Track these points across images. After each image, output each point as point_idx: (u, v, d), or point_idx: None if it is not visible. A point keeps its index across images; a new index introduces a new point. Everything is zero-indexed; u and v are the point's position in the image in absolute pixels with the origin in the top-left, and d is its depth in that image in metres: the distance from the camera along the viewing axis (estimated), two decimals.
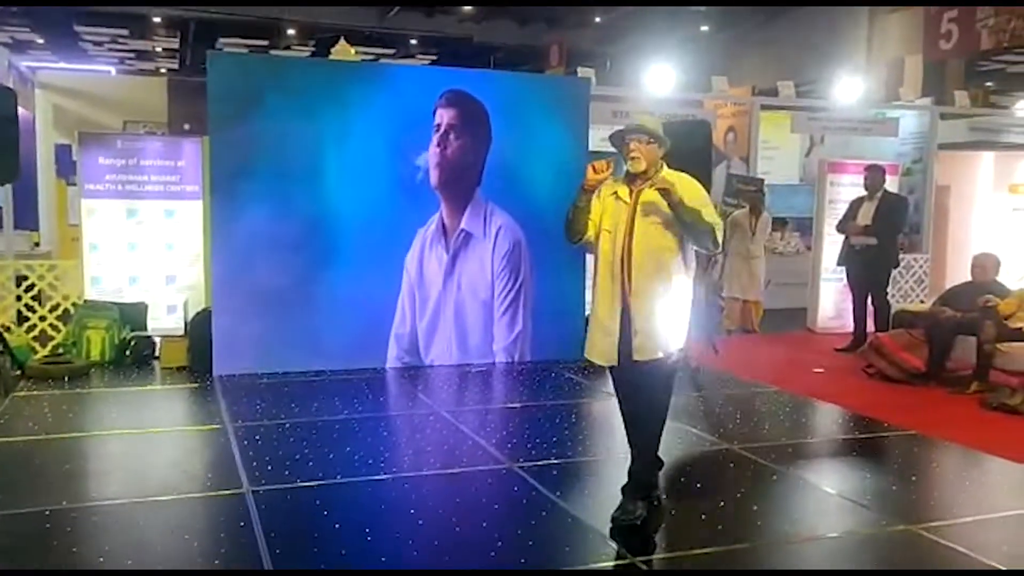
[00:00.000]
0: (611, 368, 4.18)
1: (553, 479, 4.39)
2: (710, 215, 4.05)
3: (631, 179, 4.09)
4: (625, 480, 4.23)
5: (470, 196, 7.64)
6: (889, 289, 8.84)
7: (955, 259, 10.50)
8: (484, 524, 4.13)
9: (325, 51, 10.18)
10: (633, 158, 4.04)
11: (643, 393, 4.14)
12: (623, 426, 4.33)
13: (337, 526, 4.00)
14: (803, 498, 4.57)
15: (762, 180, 10.99)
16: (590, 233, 4.14)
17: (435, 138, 7.48)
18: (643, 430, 4.22)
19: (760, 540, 4.02)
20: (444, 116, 7.51)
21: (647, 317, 4.03)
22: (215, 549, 3.78)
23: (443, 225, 7.62)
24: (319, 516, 4.11)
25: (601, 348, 4.14)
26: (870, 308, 8.60)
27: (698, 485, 4.76)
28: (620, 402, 4.30)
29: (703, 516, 4.23)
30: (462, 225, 7.65)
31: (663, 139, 4.09)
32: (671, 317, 4.06)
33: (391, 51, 23.70)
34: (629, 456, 4.25)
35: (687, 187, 4.06)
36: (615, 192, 4.09)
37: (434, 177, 7.49)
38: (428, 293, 7.55)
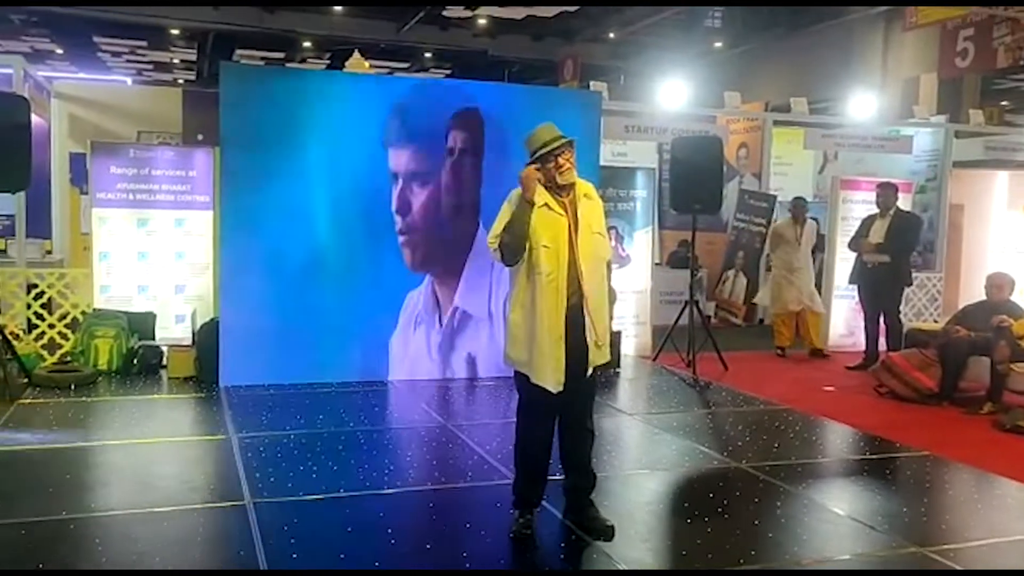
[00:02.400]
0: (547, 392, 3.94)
1: (557, 494, 4.33)
2: None
3: (554, 190, 3.98)
4: (574, 495, 4.22)
5: (466, 250, 7.38)
6: (902, 308, 8.76)
7: (969, 278, 10.41)
8: (488, 540, 4.08)
9: (340, 64, 10.20)
10: (566, 170, 3.96)
11: (587, 405, 4.14)
12: (523, 450, 4.13)
13: (338, 539, 3.96)
14: (812, 519, 4.49)
15: (774, 196, 10.95)
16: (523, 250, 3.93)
17: (448, 163, 7.32)
18: (585, 441, 4.17)
19: (767, 561, 3.95)
20: (458, 139, 7.36)
21: (602, 327, 4.02)
22: (214, 562, 3.74)
23: (435, 296, 7.39)
24: (320, 529, 4.06)
25: (553, 371, 3.89)
26: (882, 327, 8.52)
27: (705, 504, 4.68)
28: (544, 420, 4.05)
29: (709, 534, 4.17)
30: (456, 301, 7.42)
31: (572, 137, 4.04)
32: (609, 326, 4.10)
33: (406, 64, 23.81)
34: (569, 475, 4.21)
35: (595, 194, 4.13)
36: (544, 204, 3.94)
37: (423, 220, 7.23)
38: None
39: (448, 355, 7.47)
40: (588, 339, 3.96)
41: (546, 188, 3.97)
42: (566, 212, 3.96)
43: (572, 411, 4.09)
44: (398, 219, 7.25)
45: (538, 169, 3.97)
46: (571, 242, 3.94)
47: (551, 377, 3.91)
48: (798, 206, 9.36)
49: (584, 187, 4.09)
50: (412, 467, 5.18)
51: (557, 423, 4.12)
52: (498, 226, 3.95)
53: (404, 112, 7.23)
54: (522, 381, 4.03)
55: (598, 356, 4.04)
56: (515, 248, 3.89)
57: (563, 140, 3.97)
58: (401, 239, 7.28)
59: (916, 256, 10.36)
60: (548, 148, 3.95)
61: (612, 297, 4.28)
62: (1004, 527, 4.51)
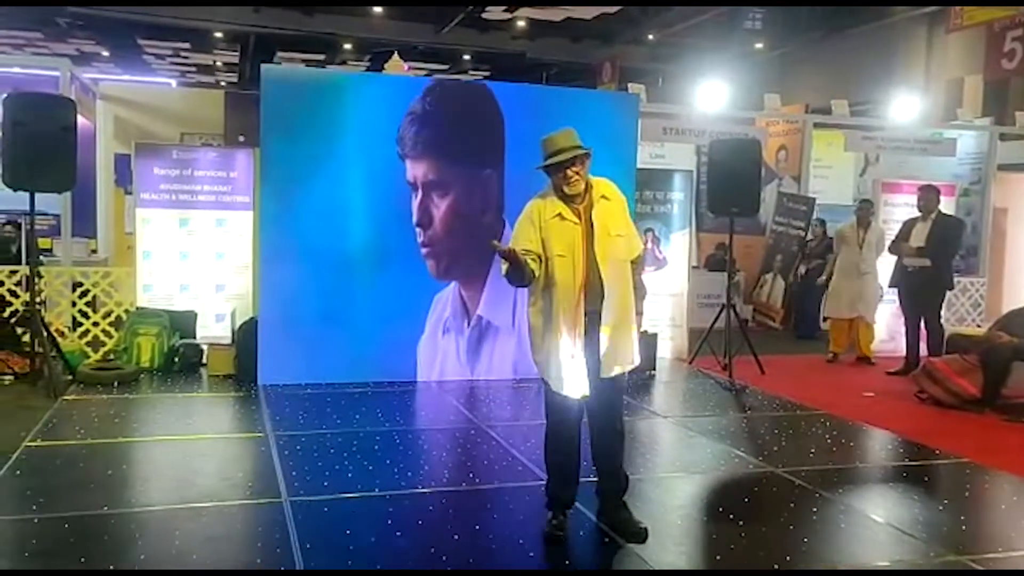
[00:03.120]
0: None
1: (589, 496, 4.33)
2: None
3: (567, 199, 3.96)
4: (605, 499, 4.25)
5: (491, 257, 7.17)
6: (943, 312, 8.62)
7: (1012, 283, 10.23)
8: (520, 541, 4.08)
9: (380, 66, 10.27)
10: (574, 182, 3.93)
11: (614, 407, 4.13)
12: (566, 453, 4.15)
13: (373, 539, 3.99)
14: (848, 525, 4.44)
15: (813, 199, 10.84)
16: (538, 267, 3.91)
17: (467, 170, 7.24)
18: (614, 444, 4.16)
19: (802, 566, 3.91)
20: (475, 144, 7.30)
21: (624, 331, 4.01)
22: (250, 558, 3.78)
23: (462, 301, 7.37)
24: (356, 528, 4.10)
25: (572, 379, 3.91)
26: (923, 331, 8.40)
27: (739, 508, 4.65)
28: (568, 424, 4.06)
29: (743, 539, 4.14)
30: (480, 310, 7.39)
31: (588, 148, 4.01)
32: (635, 328, 4.08)
33: (445, 66, 23.91)
34: (602, 477, 4.23)
35: (616, 193, 4.08)
36: (558, 213, 3.93)
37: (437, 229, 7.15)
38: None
39: (475, 360, 7.48)
40: (608, 343, 3.96)
41: (560, 199, 3.97)
42: (580, 219, 3.95)
43: (598, 414, 4.10)
44: (419, 232, 7.24)
45: (552, 176, 3.98)
46: (587, 249, 3.93)
47: (570, 386, 3.92)
48: (863, 208, 9.16)
49: (603, 187, 4.05)
50: (446, 467, 5.21)
51: (589, 430, 4.13)
52: (512, 243, 3.93)
53: (419, 122, 7.19)
54: (545, 385, 4.06)
55: (623, 358, 4.01)
56: (519, 285, 3.95)
57: (577, 152, 3.93)
58: (424, 251, 7.29)
59: (959, 260, 10.19)
60: (558, 160, 3.91)
61: (642, 292, 4.25)
62: None
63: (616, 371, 4.01)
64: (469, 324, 7.42)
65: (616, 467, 4.20)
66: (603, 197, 4.02)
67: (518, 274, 3.85)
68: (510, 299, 7.32)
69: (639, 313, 4.20)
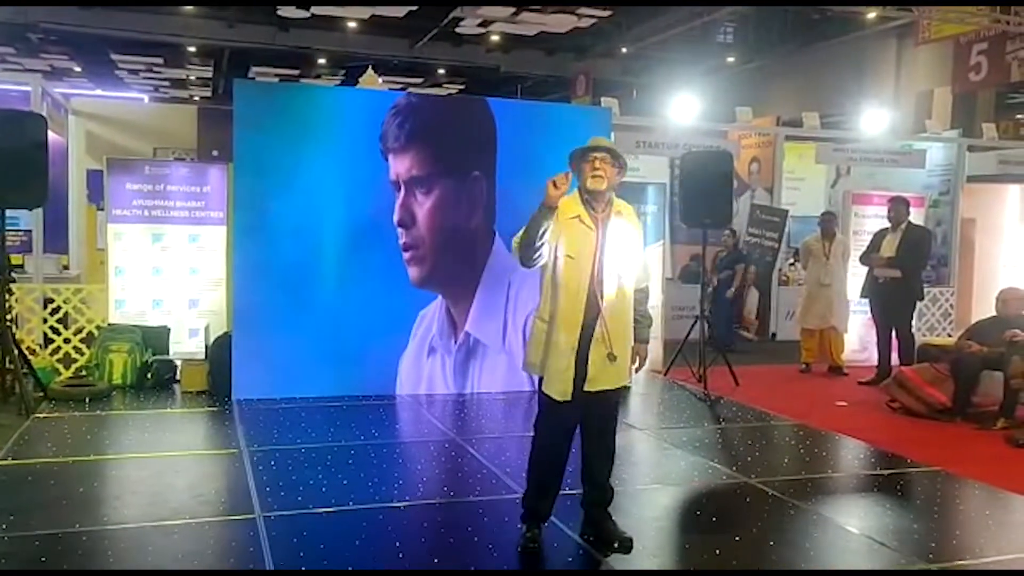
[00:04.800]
0: (563, 402, 3.97)
1: (567, 509, 4.34)
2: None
3: (589, 202, 4.00)
4: (588, 509, 4.27)
5: (481, 267, 7.31)
6: (914, 322, 8.72)
7: (981, 293, 10.36)
8: (496, 554, 4.09)
9: (354, 80, 10.29)
10: (597, 176, 3.95)
11: (607, 423, 4.17)
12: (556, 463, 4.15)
13: (347, 553, 3.98)
14: (821, 534, 4.48)
15: (786, 211, 10.95)
16: (547, 257, 3.97)
17: (456, 176, 7.18)
18: (605, 461, 4.20)
19: (775, 571, 3.95)
20: (467, 150, 7.28)
21: (623, 344, 4.05)
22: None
23: (449, 317, 7.30)
24: (329, 542, 4.09)
25: (560, 381, 3.94)
26: (894, 341, 8.49)
27: (713, 519, 4.68)
28: (557, 432, 4.07)
29: (717, 550, 4.17)
30: (467, 327, 7.35)
31: (625, 165, 4.09)
32: (629, 349, 4.13)
33: (419, 80, 23.96)
34: (588, 489, 4.24)
35: (634, 218, 4.14)
36: (577, 215, 3.96)
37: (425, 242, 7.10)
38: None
39: (463, 381, 7.48)
40: (599, 352, 3.96)
41: (582, 202, 4.00)
42: (596, 227, 3.97)
43: (591, 426, 4.12)
44: (401, 232, 7.17)
45: (579, 169, 3.99)
46: (597, 257, 3.95)
47: (558, 386, 3.95)
48: (827, 220, 9.26)
49: (623, 207, 4.10)
50: (421, 481, 5.20)
51: (580, 440, 4.16)
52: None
53: (403, 115, 7.14)
54: (541, 395, 4.06)
55: (612, 375, 4.02)
56: (529, 249, 3.89)
57: (609, 147, 4.02)
58: (406, 255, 7.23)
59: (929, 270, 10.33)
60: (586, 148, 4.00)
61: (646, 323, 4.31)
62: (1016, 544, 4.49)
63: (600, 387, 4.01)
64: (456, 342, 7.36)
65: (605, 479, 4.23)
66: (618, 213, 4.05)
67: (532, 234, 3.84)
68: (500, 315, 7.34)
69: (642, 341, 4.24)
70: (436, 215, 7.24)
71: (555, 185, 3.75)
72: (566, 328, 3.93)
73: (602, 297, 3.95)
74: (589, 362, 3.96)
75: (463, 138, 7.38)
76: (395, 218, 7.13)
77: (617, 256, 4.00)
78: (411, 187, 7.19)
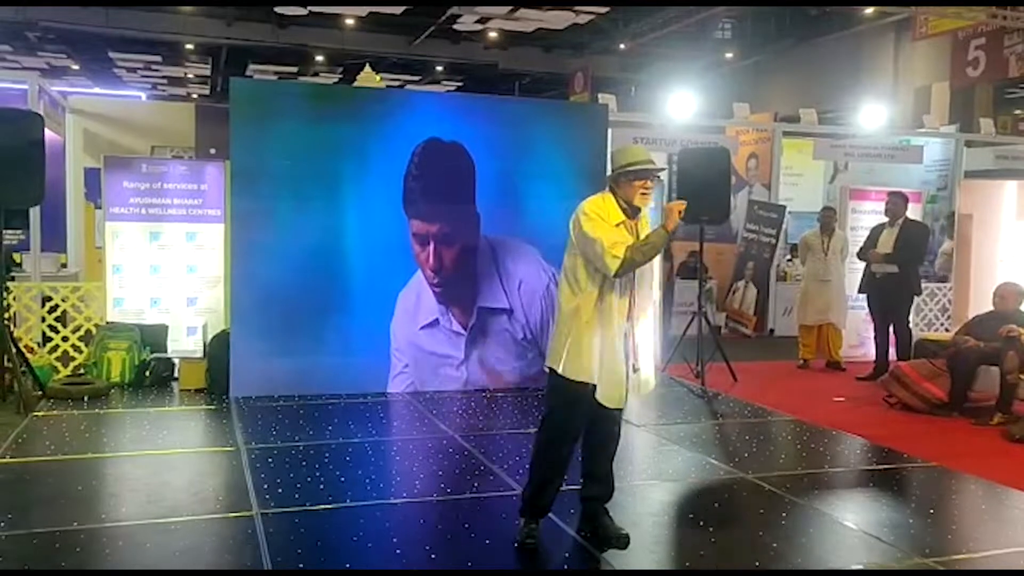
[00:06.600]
0: (590, 403, 3.99)
1: (563, 505, 4.35)
2: None
3: (627, 211, 4.01)
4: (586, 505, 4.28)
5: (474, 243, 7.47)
6: (911, 317, 8.73)
7: (978, 288, 10.37)
8: (493, 550, 4.10)
9: (352, 77, 10.28)
10: (646, 195, 4.00)
11: (618, 426, 4.21)
12: (577, 455, 4.22)
13: (345, 550, 4.00)
14: (818, 530, 4.49)
15: (784, 207, 10.96)
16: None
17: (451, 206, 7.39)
18: (610, 457, 4.25)
19: (771, 571, 3.96)
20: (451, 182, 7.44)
21: (649, 351, 4.13)
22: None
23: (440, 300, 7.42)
24: (326, 539, 4.10)
25: (618, 389, 3.97)
26: (892, 337, 8.50)
27: (710, 514, 4.70)
28: (575, 430, 4.10)
29: (714, 545, 4.18)
30: (478, 302, 7.48)
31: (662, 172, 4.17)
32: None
33: (417, 78, 23.95)
34: (587, 482, 4.27)
35: (647, 222, 4.19)
36: (622, 222, 3.98)
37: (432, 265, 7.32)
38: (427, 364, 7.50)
39: (461, 367, 7.50)
40: (629, 364, 4.00)
41: (620, 208, 4.00)
42: (634, 235, 4.00)
43: (603, 426, 4.14)
44: (432, 275, 7.39)
45: (627, 182, 3.98)
46: None
47: (612, 395, 3.97)
48: (826, 216, 9.26)
49: (672, 202, 4.16)
50: (418, 478, 5.21)
51: (586, 436, 4.18)
52: (611, 237, 3.87)
53: (424, 179, 7.31)
54: (565, 391, 4.01)
55: (639, 383, 4.06)
56: (637, 266, 3.93)
57: (657, 167, 4.03)
58: (437, 291, 7.42)
59: (927, 265, 10.34)
60: (645, 167, 3.97)
61: None
62: (1012, 538, 4.49)
63: (646, 390, 4.10)
64: (452, 320, 7.49)
65: (608, 472, 4.25)
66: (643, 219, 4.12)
67: (652, 257, 3.96)
68: (496, 280, 7.51)
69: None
70: (458, 254, 7.47)
71: (680, 214, 3.93)
72: (612, 334, 3.94)
73: (634, 305, 4.00)
74: (631, 369, 4.01)
75: (460, 180, 7.49)
76: (431, 265, 7.35)
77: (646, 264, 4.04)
78: (439, 241, 7.37)
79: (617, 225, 3.95)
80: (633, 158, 4.01)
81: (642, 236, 4.00)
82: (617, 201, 4.02)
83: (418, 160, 7.32)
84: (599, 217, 3.94)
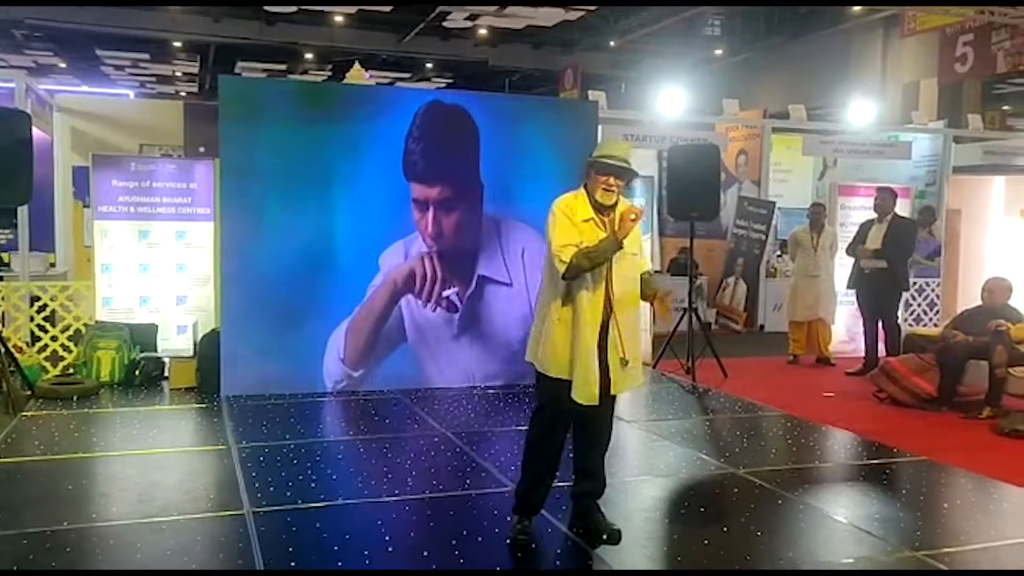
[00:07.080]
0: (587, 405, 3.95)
1: (555, 501, 4.36)
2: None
3: (598, 207, 3.97)
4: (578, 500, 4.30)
5: (477, 218, 7.49)
6: (900, 313, 8.77)
7: (967, 283, 10.43)
8: (486, 547, 4.09)
9: (341, 75, 10.25)
10: (608, 193, 3.94)
11: (608, 421, 4.21)
12: (559, 453, 4.19)
13: (336, 548, 3.99)
14: (808, 524, 4.51)
15: (773, 203, 10.98)
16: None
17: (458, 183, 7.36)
18: (601, 453, 4.25)
19: (762, 566, 3.97)
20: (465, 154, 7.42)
21: (634, 347, 4.08)
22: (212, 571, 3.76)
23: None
24: (319, 537, 4.10)
25: (591, 387, 3.91)
26: (881, 332, 8.53)
27: (701, 509, 4.71)
28: (562, 428, 4.11)
29: (705, 541, 4.19)
30: (478, 270, 7.47)
31: (635, 176, 4.12)
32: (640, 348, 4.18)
33: (407, 75, 23.90)
34: (579, 478, 4.28)
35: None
36: (590, 219, 3.94)
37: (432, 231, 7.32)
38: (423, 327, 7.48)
39: (452, 358, 7.51)
40: (615, 357, 3.98)
41: (590, 204, 3.98)
42: (606, 229, 3.95)
43: (594, 423, 4.14)
44: (432, 243, 7.36)
45: (593, 175, 3.96)
46: (609, 261, 3.95)
47: (585, 391, 3.91)
48: (816, 212, 9.29)
49: (625, 207, 4.05)
50: (410, 475, 5.20)
51: (577, 432, 4.18)
52: (563, 239, 3.86)
53: (424, 141, 7.27)
54: (547, 387, 4.02)
55: (626, 377, 4.05)
56: (586, 271, 3.87)
57: (626, 166, 3.95)
58: (437, 260, 7.41)
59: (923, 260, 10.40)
60: (608, 162, 3.92)
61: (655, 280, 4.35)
62: (1002, 531, 4.52)
63: (622, 389, 4.08)
64: (466, 292, 7.49)
65: (600, 469, 4.25)
66: (621, 213, 4.02)
67: (599, 264, 3.86)
68: (498, 252, 7.55)
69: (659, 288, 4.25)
70: (459, 222, 7.45)
71: (634, 220, 3.83)
72: (589, 331, 3.91)
73: (613, 300, 3.97)
74: (609, 366, 3.98)
75: (462, 144, 7.46)
76: (430, 232, 7.31)
77: (626, 259, 4.00)
78: (439, 207, 7.32)
79: (586, 221, 3.92)
80: (604, 151, 3.99)
81: (617, 231, 3.94)
82: (588, 196, 4.00)
83: (419, 122, 7.28)
84: (564, 215, 3.93)
